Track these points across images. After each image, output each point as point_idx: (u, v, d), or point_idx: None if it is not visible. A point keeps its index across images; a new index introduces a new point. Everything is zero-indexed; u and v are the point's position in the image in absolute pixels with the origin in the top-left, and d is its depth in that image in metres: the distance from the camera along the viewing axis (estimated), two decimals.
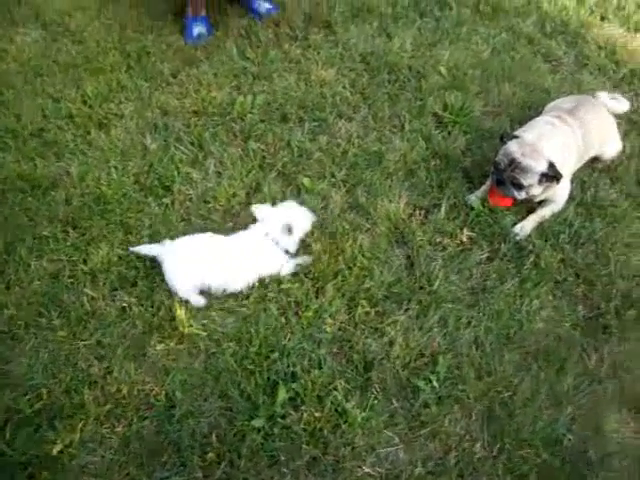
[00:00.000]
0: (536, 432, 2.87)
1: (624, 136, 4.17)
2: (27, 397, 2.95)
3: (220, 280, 3.27)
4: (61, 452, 2.79)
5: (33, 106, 4.39)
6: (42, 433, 2.86)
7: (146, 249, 3.33)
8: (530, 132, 3.62)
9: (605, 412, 2.99)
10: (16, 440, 2.82)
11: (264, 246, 3.32)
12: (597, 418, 2.97)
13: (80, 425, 2.86)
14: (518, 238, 3.58)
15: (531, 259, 3.49)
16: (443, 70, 4.66)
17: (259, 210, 3.40)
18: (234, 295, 3.31)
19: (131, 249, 3.39)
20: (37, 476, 2.73)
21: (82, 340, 3.16)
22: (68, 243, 3.56)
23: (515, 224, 3.65)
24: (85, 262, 3.46)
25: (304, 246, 3.49)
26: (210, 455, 2.77)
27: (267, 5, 5.21)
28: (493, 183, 3.66)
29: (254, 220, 3.40)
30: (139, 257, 3.43)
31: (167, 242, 3.30)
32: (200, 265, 3.23)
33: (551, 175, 3.45)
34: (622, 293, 3.40)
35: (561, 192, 3.70)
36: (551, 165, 3.45)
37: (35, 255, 3.51)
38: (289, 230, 3.30)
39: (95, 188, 3.83)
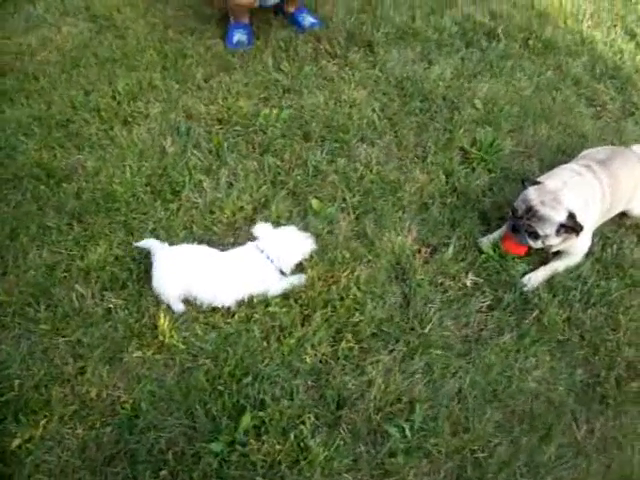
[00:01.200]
0: None
1: None
2: None
3: (208, 292, 3.21)
4: (19, 447, 2.77)
5: (65, 96, 4.44)
6: (5, 425, 2.84)
7: (147, 243, 3.32)
8: (553, 179, 3.44)
9: None
10: None
11: (257, 263, 3.26)
12: None
13: (43, 422, 2.84)
14: (525, 289, 3.39)
15: (534, 314, 3.30)
16: (478, 103, 4.50)
17: (260, 228, 3.34)
18: (221, 311, 3.24)
19: (135, 244, 3.39)
20: None
21: (63, 337, 3.15)
22: (70, 237, 3.57)
23: (525, 274, 3.47)
24: (82, 258, 3.46)
25: (300, 269, 3.39)
26: (163, 473, 2.70)
27: (311, 19, 5.14)
28: (508, 229, 3.49)
29: (253, 237, 3.34)
30: (134, 259, 3.42)
31: (166, 245, 3.29)
32: (190, 274, 3.19)
33: (570, 227, 3.26)
34: (627, 362, 3.17)
35: (580, 246, 3.50)
36: (571, 216, 3.26)
37: (36, 245, 3.53)
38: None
39: (107, 185, 3.83)
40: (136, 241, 3.46)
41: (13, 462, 2.73)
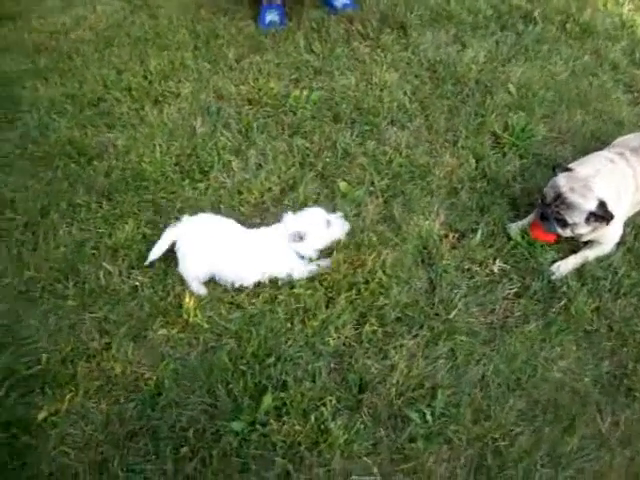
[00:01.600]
0: None
1: None
2: (26, 359, 3.00)
3: (231, 272, 3.23)
4: (45, 420, 2.81)
5: (97, 75, 4.50)
6: (32, 398, 2.90)
7: (161, 246, 3.27)
8: (585, 166, 3.37)
9: None
10: (7, 400, 2.87)
11: (280, 246, 3.24)
12: None
13: (69, 396, 2.88)
14: (553, 277, 3.34)
15: (562, 302, 3.24)
16: (512, 88, 4.41)
17: (289, 216, 3.29)
18: (246, 291, 3.25)
19: (147, 262, 3.32)
20: (17, 438, 2.76)
21: (90, 313, 3.20)
22: (99, 215, 3.62)
23: (554, 262, 3.41)
24: (110, 236, 3.50)
25: (329, 252, 3.38)
26: (184, 449, 2.73)
27: (344, 0, 5.09)
28: (537, 216, 3.43)
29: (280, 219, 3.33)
30: (161, 237, 3.42)
31: (185, 218, 3.28)
32: (212, 253, 3.19)
33: (600, 215, 3.20)
34: None
35: (611, 235, 3.43)
36: (602, 204, 3.19)
37: (66, 222, 3.59)
38: (300, 237, 3.19)
39: (136, 164, 3.87)
40: (162, 221, 3.52)
41: (39, 434, 2.77)
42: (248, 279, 3.24)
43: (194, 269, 3.21)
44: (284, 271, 3.26)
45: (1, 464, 2.71)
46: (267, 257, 3.23)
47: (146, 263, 3.29)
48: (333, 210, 3.41)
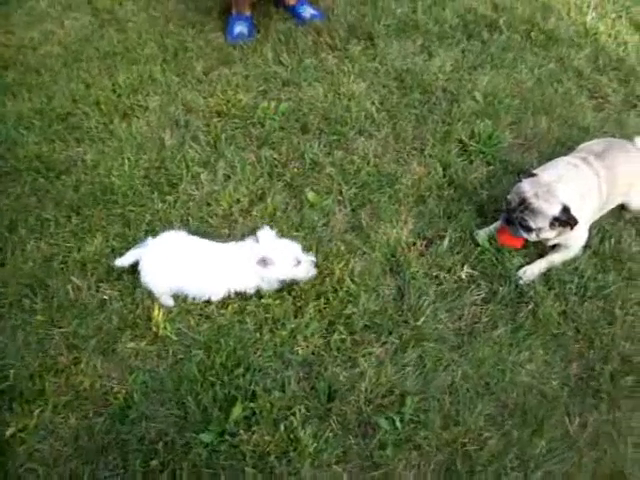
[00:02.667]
0: None
1: None
2: None
3: (195, 286, 3.23)
4: (13, 436, 2.80)
5: (66, 89, 4.49)
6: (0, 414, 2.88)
7: (129, 257, 3.28)
8: (549, 172, 3.41)
9: None
10: None
11: (247, 262, 3.20)
12: None
13: (37, 412, 2.87)
14: (521, 282, 3.36)
15: (529, 307, 3.27)
16: (478, 96, 4.45)
17: (263, 234, 3.24)
18: (215, 303, 3.26)
19: (116, 262, 3.31)
20: None
21: (59, 327, 3.18)
22: (67, 229, 3.61)
23: (521, 267, 3.44)
24: (79, 250, 3.49)
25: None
26: (154, 462, 2.72)
27: (312, 11, 5.12)
28: (502, 222, 3.47)
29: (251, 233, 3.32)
30: (129, 250, 3.43)
31: (149, 240, 3.26)
32: (177, 268, 3.18)
33: (564, 220, 3.23)
34: (622, 356, 3.13)
35: (576, 239, 3.46)
36: (565, 209, 3.22)
37: (34, 237, 3.58)
38: (264, 263, 3.14)
39: (105, 178, 3.87)
40: (132, 234, 3.53)
41: (6, 451, 2.75)
42: (215, 294, 3.25)
43: (159, 284, 3.21)
44: (251, 286, 3.26)
45: None
46: (233, 272, 3.22)
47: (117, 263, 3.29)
48: (309, 251, 3.37)
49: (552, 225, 3.26)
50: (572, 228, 3.25)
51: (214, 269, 3.20)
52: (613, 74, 4.79)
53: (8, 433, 2.81)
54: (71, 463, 2.74)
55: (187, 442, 2.77)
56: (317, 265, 3.30)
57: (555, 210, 3.23)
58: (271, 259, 3.11)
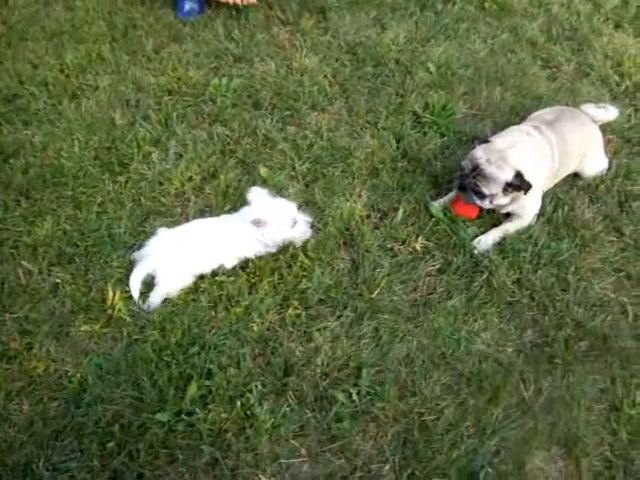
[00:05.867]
0: (452, 461, 2.69)
1: (614, 153, 3.93)
2: None
3: (209, 265, 3.23)
4: None
5: (12, 70, 4.36)
6: None
7: (141, 271, 3.19)
8: (502, 139, 3.41)
9: (532, 448, 2.78)
10: None
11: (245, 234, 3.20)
12: (522, 453, 2.76)
13: None
14: (475, 252, 3.38)
15: (484, 276, 3.29)
16: (432, 67, 4.44)
17: (254, 195, 3.26)
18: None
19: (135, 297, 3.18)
20: None
21: (10, 313, 3.12)
22: (17, 213, 3.53)
23: (476, 237, 3.45)
24: (29, 234, 3.42)
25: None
26: (110, 445, 2.69)
27: None
28: (456, 188, 3.47)
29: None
30: (82, 233, 3.41)
31: (161, 231, 3.27)
32: (193, 255, 3.18)
33: (517, 185, 3.24)
34: (576, 322, 3.17)
35: (529, 207, 3.48)
36: (518, 174, 3.23)
37: None
38: (258, 224, 3.12)
39: (54, 159, 3.78)
40: (83, 217, 3.48)
41: None
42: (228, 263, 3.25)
43: (182, 279, 3.19)
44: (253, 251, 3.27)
45: None
46: (239, 240, 3.22)
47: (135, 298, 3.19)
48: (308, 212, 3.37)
49: (505, 191, 3.28)
50: (526, 193, 3.26)
51: (223, 242, 3.20)
52: (566, 44, 4.83)
53: None
54: (26, 449, 2.69)
55: (143, 423, 2.75)
56: (313, 225, 3.30)
57: (508, 176, 3.24)
58: (265, 220, 3.11)
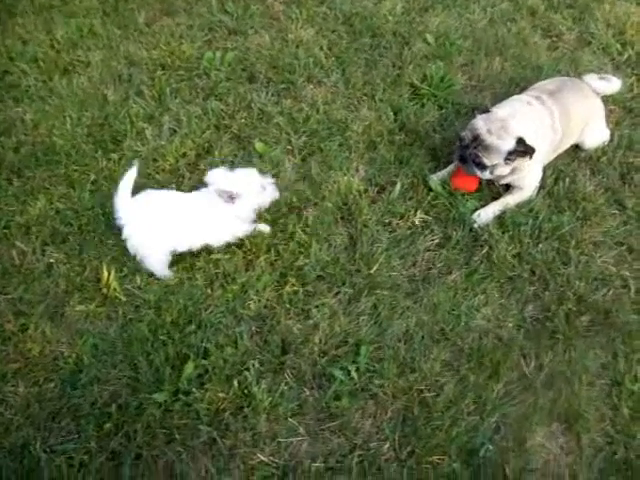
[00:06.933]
0: (452, 438, 2.68)
1: (615, 124, 3.85)
2: None
3: (187, 241, 3.11)
4: None
5: (1, 47, 4.31)
6: None
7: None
8: (502, 109, 3.35)
9: (533, 424, 2.76)
10: None
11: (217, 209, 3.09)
12: (523, 430, 2.75)
13: None
14: (475, 226, 3.33)
15: (484, 250, 3.25)
16: (430, 38, 4.36)
17: (214, 174, 3.12)
18: None
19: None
20: None
21: (4, 294, 3.11)
22: (9, 192, 3.50)
23: (475, 211, 3.40)
24: (22, 213, 3.39)
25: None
26: (107, 425, 2.69)
27: None
28: (456, 159, 3.41)
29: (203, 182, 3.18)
30: (75, 212, 3.37)
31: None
32: (169, 227, 3.04)
33: (522, 150, 3.18)
34: (578, 296, 3.13)
35: (529, 179, 3.43)
36: (520, 140, 3.18)
37: None
38: (231, 198, 3.02)
39: (47, 137, 3.75)
40: (76, 195, 3.43)
41: None
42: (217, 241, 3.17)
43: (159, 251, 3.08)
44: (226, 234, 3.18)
45: None
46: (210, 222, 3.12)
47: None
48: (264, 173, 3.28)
49: (507, 160, 3.22)
50: (531, 157, 3.21)
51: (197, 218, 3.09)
52: (567, 12, 4.73)
53: None
54: (23, 431, 2.68)
55: (140, 403, 2.74)
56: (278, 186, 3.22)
57: (509, 145, 3.19)
58: (236, 192, 3.02)
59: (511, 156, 3.21)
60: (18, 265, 3.19)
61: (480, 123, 3.26)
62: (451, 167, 3.53)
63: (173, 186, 3.45)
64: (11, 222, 3.35)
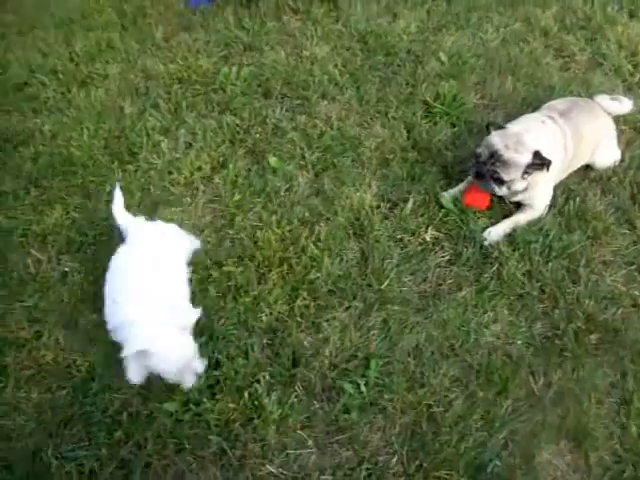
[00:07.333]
0: (460, 454, 2.67)
1: (626, 145, 3.87)
2: None
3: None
4: None
5: (21, 59, 4.40)
6: None
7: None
8: (517, 125, 3.39)
9: (541, 441, 2.76)
10: None
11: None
12: (531, 447, 2.74)
13: None
14: (485, 243, 3.35)
15: (494, 268, 3.26)
16: (443, 56, 4.40)
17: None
18: None
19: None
20: None
21: (19, 302, 3.15)
22: (26, 202, 3.57)
23: (486, 228, 3.42)
24: (38, 223, 3.45)
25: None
26: (118, 434, 2.70)
27: None
28: (472, 176, 3.43)
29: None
30: (91, 222, 3.42)
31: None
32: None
33: (538, 163, 3.22)
34: (587, 315, 3.12)
35: (540, 198, 3.45)
36: (536, 153, 3.21)
37: None
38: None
39: (64, 148, 3.80)
40: (92, 206, 3.49)
41: None
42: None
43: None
44: None
45: None
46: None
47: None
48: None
49: (525, 174, 3.26)
50: (548, 169, 3.24)
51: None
52: (580, 33, 4.75)
53: None
54: (34, 437, 2.71)
55: (151, 412, 2.75)
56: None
57: (526, 159, 3.22)
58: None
59: (529, 169, 3.24)
60: (34, 273, 3.24)
61: (496, 139, 3.29)
62: (463, 184, 3.55)
63: None
64: (28, 231, 3.41)
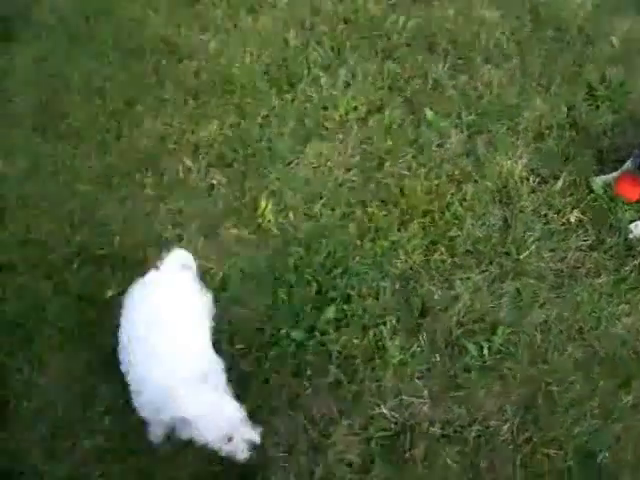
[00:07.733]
0: (573, 436, 2.66)
1: None
2: (100, 240, 3.13)
3: None
4: (111, 297, 2.90)
5: None
6: (102, 276, 3.02)
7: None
8: None
9: None
10: (79, 275, 3.02)
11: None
12: None
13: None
14: (630, 236, 3.26)
15: (636, 262, 3.18)
16: (615, 41, 4.21)
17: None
18: (320, 201, 3.30)
19: None
20: (86, 312, 2.90)
21: (165, 204, 3.29)
22: (184, 112, 3.69)
23: (632, 221, 3.32)
24: (193, 133, 3.56)
25: None
26: (239, 346, 2.80)
27: None
28: (633, 166, 3.27)
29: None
30: (243, 142, 3.50)
31: None
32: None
33: None
34: None
35: None
36: None
37: (151, 115, 3.67)
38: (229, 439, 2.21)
39: (226, 67, 3.89)
40: (246, 125, 3.58)
41: (104, 309, 2.84)
42: None
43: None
44: None
45: (70, 331, 2.86)
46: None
47: None
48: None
49: None
50: None
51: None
52: None
53: (108, 294, 2.93)
54: None
55: (278, 331, 2.84)
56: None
57: None
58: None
59: None
60: (182, 180, 3.39)
61: None
62: (617, 173, 3.44)
63: None
64: (181, 139, 3.55)
